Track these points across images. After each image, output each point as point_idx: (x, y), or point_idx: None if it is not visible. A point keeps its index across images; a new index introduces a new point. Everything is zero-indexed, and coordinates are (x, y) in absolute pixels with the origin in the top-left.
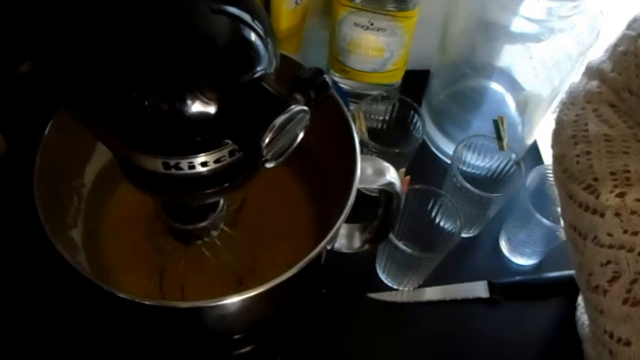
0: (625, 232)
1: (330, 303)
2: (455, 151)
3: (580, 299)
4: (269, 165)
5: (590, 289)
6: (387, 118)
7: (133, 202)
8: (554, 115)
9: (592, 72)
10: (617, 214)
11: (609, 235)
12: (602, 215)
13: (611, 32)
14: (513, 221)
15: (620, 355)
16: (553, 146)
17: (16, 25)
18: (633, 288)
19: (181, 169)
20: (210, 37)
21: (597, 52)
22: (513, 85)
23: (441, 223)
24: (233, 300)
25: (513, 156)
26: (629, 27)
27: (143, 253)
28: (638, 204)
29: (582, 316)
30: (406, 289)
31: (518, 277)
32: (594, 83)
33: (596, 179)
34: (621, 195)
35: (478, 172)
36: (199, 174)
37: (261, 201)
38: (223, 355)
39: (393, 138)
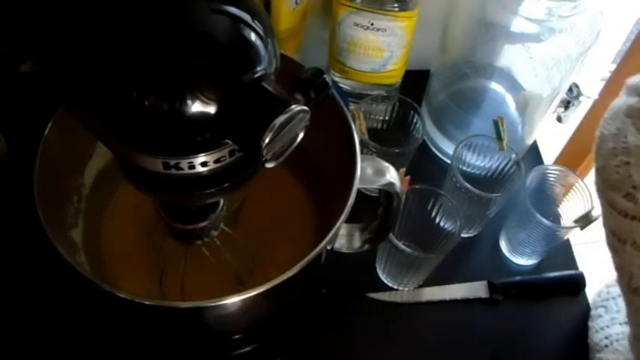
0: None
1: (330, 303)
2: (455, 151)
3: (594, 310)
4: (269, 165)
5: (631, 292)
6: (387, 118)
7: (133, 202)
8: (555, 115)
9: (632, 89)
10: None
11: None
12: None
13: (611, 32)
14: (513, 221)
15: None
16: (595, 159)
17: (16, 25)
18: None
19: (181, 169)
20: (210, 37)
21: (595, 53)
22: (513, 85)
23: (441, 223)
24: (233, 300)
25: (513, 156)
26: None
27: (143, 253)
28: None
29: (596, 323)
30: (406, 289)
31: (518, 277)
32: (634, 99)
33: (634, 187)
34: None
35: (478, 172)
36: (199, 174)
37: (261, 201)
38: (223, 355)
39: (393, 138)
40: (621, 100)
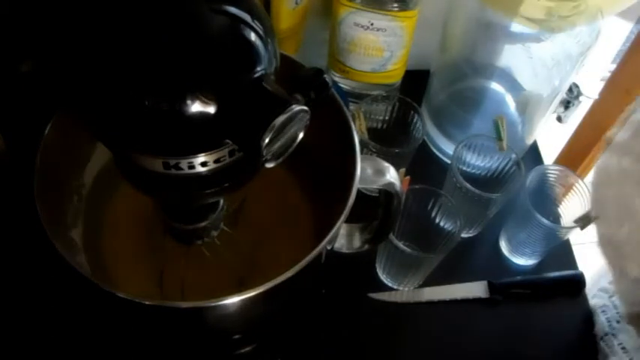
0: None
1: (330, 303)
2: (455, 151)
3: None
4: (269, 165)
5: None
6: (387, 118)
7: (133, 202)
8: (555, 115)
9: None
10: None
11: None
12: None
13: (611, 32)
14: (513, 221)
15: None
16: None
17: (16, 25)
18: None
19: (181, 169)
20: (210, 37)
21: (595, 53)
22: (513, 85)
23: (441, 223)
24: (233, 300)
25: (513, 156)
26: None
27: (143, 253)
28: None
29: None
30: (406, 289)
31: (518, 277)
32: None
33: None
34: None
35: (478, 172)
36: (199, 174)
37: (261, 201)
38: (223, 355)
39: (393, 138)
40: None
